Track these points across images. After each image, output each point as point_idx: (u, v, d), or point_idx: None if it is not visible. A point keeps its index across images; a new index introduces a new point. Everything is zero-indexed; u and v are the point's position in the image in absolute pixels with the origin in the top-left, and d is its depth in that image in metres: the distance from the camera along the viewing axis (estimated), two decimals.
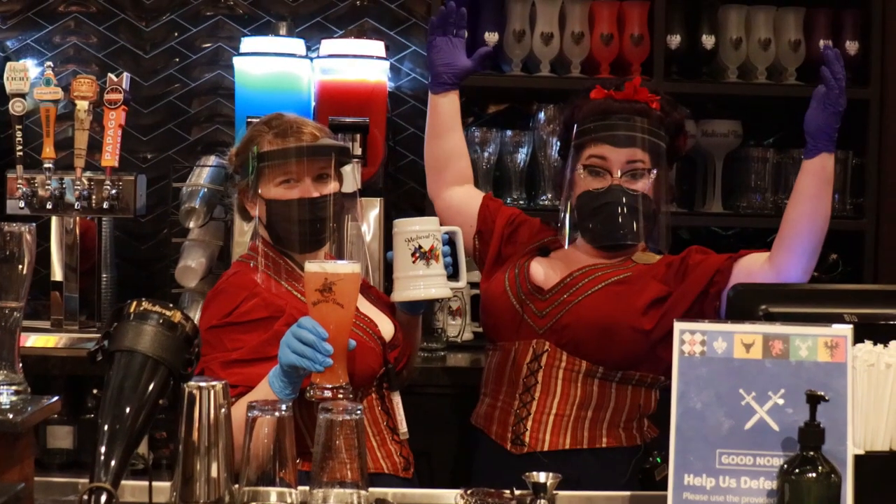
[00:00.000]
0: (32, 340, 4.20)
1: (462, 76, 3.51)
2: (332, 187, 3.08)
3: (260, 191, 3.05)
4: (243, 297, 2.98)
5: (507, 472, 3.10)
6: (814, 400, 2.10)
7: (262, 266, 3.04)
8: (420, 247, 3.03)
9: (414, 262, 3.03)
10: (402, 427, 3.06)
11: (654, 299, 3.16)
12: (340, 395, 2.69)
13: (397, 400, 3.08)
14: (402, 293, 3.07)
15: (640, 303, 3.16)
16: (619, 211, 3.19)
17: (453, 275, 3.14)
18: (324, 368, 2.66)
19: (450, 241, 3.15)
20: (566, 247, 3.30)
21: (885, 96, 4.57)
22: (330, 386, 2.69)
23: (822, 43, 3.23)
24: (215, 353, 2.91)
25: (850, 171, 4.65)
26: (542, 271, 3.32)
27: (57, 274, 4.36)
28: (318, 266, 2.72)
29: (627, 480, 3.09)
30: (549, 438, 3.16)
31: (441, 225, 3.13)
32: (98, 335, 2.34)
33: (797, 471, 2.08)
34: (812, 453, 2.09)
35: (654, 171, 3.24)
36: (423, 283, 3.05)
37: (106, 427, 2.06)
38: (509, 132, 4.58)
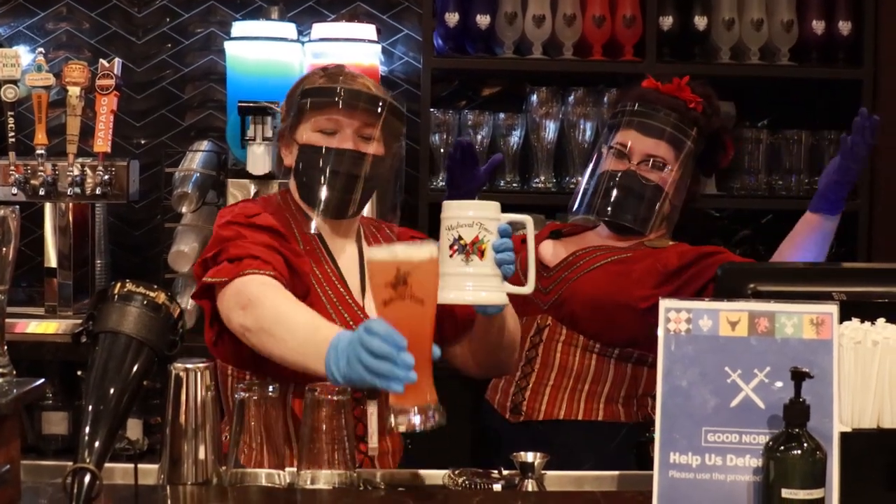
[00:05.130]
0: (26, 326, 4.20)
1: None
2: (373, 149, 2.85)
3: (296, 133, 2.88)
4: (263, 212, 2.79)
5: (505, 441, 3.13)
6: (798, 377, 2.10)
7: (281, 208, 2.87)
8: (459, 237, 2.48)
9: (451, 255, 2.49)
10: (373, 442, 2.72)
11: (654, 280, 3.17)
12: (432, 424, 2.26)
13: (372, 409, 2.69)
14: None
15: (639, 282, 3.18)
16: (629, 195, 3.23)
17: (515, 278, 2.61)
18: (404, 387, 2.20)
19: (513, 235, 2.63)
20: (573, 214, 3.34)
21: (879, 77, 4.57)
22: (416, 407, 2.25)
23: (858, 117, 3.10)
24: (235, 241, 2.68)
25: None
26: (551, 251, 3.38)
27: (51, 260, 4.35)
28: (386, 252, 2.25)
29: (620, 454, 3.09)
30: (545, 408, 3.21)
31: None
32: None
33: (782, 448, 2.08)
34: (797, 430, 2.08)
35: (675, 169, 3.27)
36: (457, 282, 2.49)
37: (90, 408, 2.06)
38: (502, 115, 4.57)
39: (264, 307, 2.50)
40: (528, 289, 2.60)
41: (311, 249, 2.85)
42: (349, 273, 2.88)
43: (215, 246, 2.72)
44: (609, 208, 3.26)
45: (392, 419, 2.25)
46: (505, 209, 4.57)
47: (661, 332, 2.24)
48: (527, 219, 2.59)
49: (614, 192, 3.25)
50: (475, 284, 2.49)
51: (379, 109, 2.84)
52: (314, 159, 2.83)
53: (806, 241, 3.27)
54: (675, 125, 3.27)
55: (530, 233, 2.60)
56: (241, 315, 2.54)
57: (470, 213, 2.50)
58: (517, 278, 2.60)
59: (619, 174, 3.25)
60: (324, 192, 2.81)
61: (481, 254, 2.48)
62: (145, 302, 2.22)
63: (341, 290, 2.83)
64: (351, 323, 2.77)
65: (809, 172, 4.67)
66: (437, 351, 2.29)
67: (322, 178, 2.81)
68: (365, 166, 2.82)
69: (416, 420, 2.23)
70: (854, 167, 3.17)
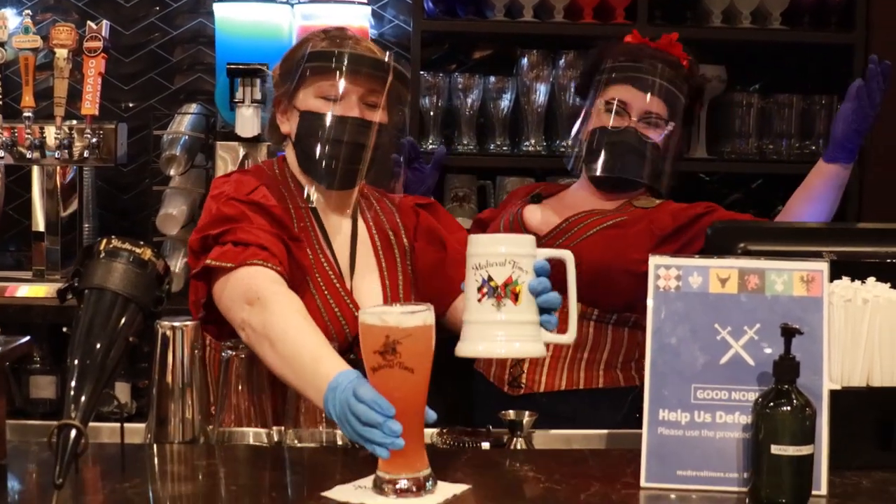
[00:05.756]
0: (14, 291, 4.18)
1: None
2: (379, 116, 2.73)
3: (297, 100, 2.75)
4: (260, 185, 2.71)
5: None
6: (789, 333, 2.09)
7: (276, 180, 2.77)
8: (489, 278, 2.17)
9: (479, 300, 2.18)
10: None
11: (650, 243, 3.15)
12: (423, 493, 2.08)
13: None
14: (461, 346, 2.23)
15: (635, 246, 3.15)
16: (631, 152, 3.21)
17: (553, 323, 2.27)
18: (390, 453, 2.06)
19: (551, 274, 2.27)
20: (577, 174, 3.31)
21: (870, 41, 4.54)
22: (406, 477, 2.08)
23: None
24: (241, 224, 2.59)
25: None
26: (538, 216, 3.33)
27: (38, 224, 4.33)
28: (376, 318, 2.06)
29: (623, 420, 3.08)
30: (545, 380, 3.19)
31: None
32: None
33: (771, 404, 2.06)
34: (787, 386, 2.07)
35: (670, 125, 3.26)
36: (487, 332, 2.19)
37: (76, 364, 2.04)
38: (492, 78, 4.54)
39: (274, 314, 2.39)
40: (569, 337, 2.30)
41: (305, 227, 2.75)
42: (341, 253, 2.80)
43: (218, 224, 2.60)
44: (612, 168, 3.23)
45: (379, 486, 2.09)
46: (495, 173, 4.64)
47: (650, 289, 2.23)
48: (567, 255, 2.30)
49: (616, 150, 3.22)
50: (509, 334, 2.18)
51: (385, 75, 2.72)
52: (317, 127, 2.70)
53: (822, 192, 3.23)
54: (673, 81, 3.27)
55: (571, 271, 2.30)
56: (246, 311, 2.44)
57: (502, 249, 2.19)
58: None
59: (619, 130, 3.22)
60: (327, 162, 2.69)
61: (515, 297, 2.18)
62: (131, 258, 2.19)
63: (331, 274, 2.74)
64: (336, 310, 2.70)
65: (800, 137, 4.65)
66: (431, 415, 2.12)
67: (326, 146, 2.69)
68: (371, 135, 2.70)
69: (405, 488, 2.07)
70: (871, 112, 3.14)
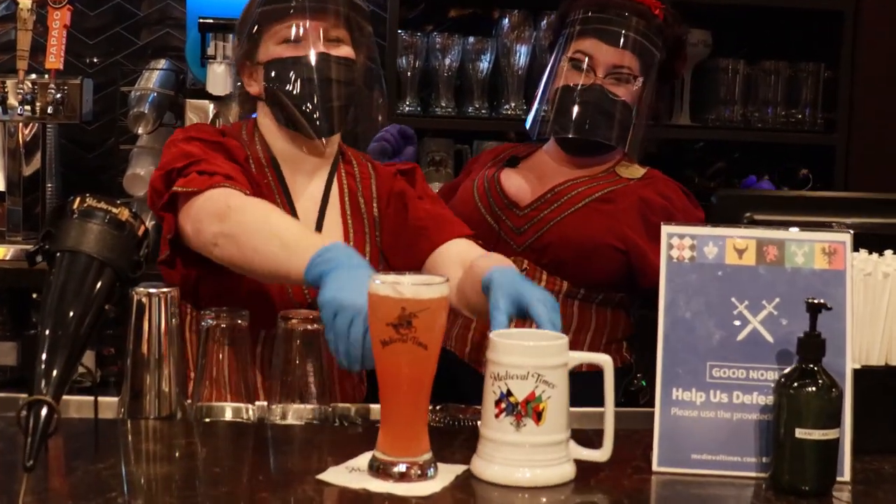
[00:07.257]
0: None
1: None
2: (345, 53, 2.62)
3: (258, 56, 2.64)
4: (227, 135, 2.63)
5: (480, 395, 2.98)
6: (814, 309, 1.96)
7: (244, 141, 2.66)
8: (508, 392, 1.92)
9: (497, 415, 1.93)
10: None
11: (641, 221, 3.00)
12: (425, 478, 1.92)
13: None
14: (476, 463, 1.98)
15: (625, 223, 3.00)
16: (597, 111, 3.00)
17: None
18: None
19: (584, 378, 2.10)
20: (534, 137, 3.12)
21: (860, 8, 4.47)
22: (407, 461, 1.92)
23: None
24: (206, 160, 2.49)
25: (821, 84, 4.56)
26: (516, 183, 3.15)
27: None
28: (390, 288, 1.89)
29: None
30: None
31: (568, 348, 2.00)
32: None
33: (796, 384, 1.93)
34: (812, 366, 1.94)
35: (642, 80, 3.05)
36: (505, 454, 1.93)
37: (47, 333, 1.87)
38: (472, 39, 4.42)
39: (246, 213, 2.32)
40: (603, 454, 2.02)
41: (268, 184, 2.65)
42: (305, 217, 2.65)
43: (182, 159, 2.50)
44: (576, 130, 3.02)
45: (374, 464, 1.93)
46: (473, 136, 4.51)
47: (662, 260, 2.09)
48: (605, 360, 2.02)
49: (581, 110, 3.01)
50: (530, 459, 1.92)
51: (339, 7, 2.62)
52: (285, 71, 2.59)
53: None
54: (643, 33, 3.03)
55: (609, 379, 2.02)
56: (217, 224, 2.34)
57: (527, 360, 1.92)
58: None
59: (584, 89, 3.02)
60: (306, 104, 2.58)
61: (538, 416, 1.92)
62: (107, 219, 2.04)
63: None
64: (289, 291, 2.58)
65: (786, 105, 4.58)
66: None
67: (299, 88, 2.58)
68: (343, 69, 2.60)
69: (404, 472, 1.91)
70: None
